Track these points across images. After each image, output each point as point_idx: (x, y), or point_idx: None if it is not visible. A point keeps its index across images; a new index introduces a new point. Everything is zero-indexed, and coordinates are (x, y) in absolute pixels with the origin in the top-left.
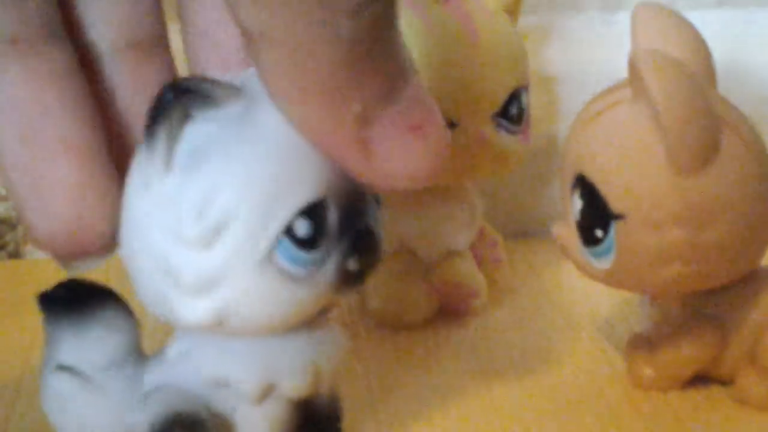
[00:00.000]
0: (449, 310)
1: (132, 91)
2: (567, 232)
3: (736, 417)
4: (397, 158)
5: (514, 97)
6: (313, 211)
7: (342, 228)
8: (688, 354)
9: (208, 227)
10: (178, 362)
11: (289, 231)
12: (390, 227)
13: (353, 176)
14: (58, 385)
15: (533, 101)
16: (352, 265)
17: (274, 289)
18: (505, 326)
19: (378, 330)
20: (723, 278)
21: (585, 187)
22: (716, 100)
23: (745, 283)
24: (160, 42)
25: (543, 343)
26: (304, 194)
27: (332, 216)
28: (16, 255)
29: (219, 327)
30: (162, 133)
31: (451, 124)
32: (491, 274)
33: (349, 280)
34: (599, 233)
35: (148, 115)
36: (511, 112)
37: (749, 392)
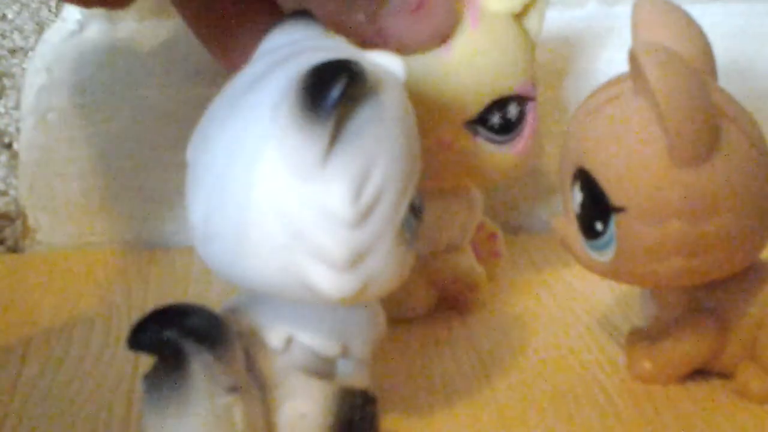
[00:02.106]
0: (448, 304)
1: None
2: (567, 225)
3: (736, 410)
4: (408, 37)
5: (497, 107)
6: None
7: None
8: (687, 348)
9: (364, 206)
10: (288, 349)
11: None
12: None
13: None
14: (230, 407)
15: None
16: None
17: (401, 255)
18: (505, 320)
19: None
20: (723, 271)
21: (585, 180)
22: (717, 93)
23: (745, 276)
24: None
25: (543, 336)
26: (419, 168)
27: None
28: (15, 249)
29: (359, 297)
30: (332, 118)
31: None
32: (491, 267)
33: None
34: (599, 226)
35: (310, 97)
36: (491, 121)
37: (749, 386)
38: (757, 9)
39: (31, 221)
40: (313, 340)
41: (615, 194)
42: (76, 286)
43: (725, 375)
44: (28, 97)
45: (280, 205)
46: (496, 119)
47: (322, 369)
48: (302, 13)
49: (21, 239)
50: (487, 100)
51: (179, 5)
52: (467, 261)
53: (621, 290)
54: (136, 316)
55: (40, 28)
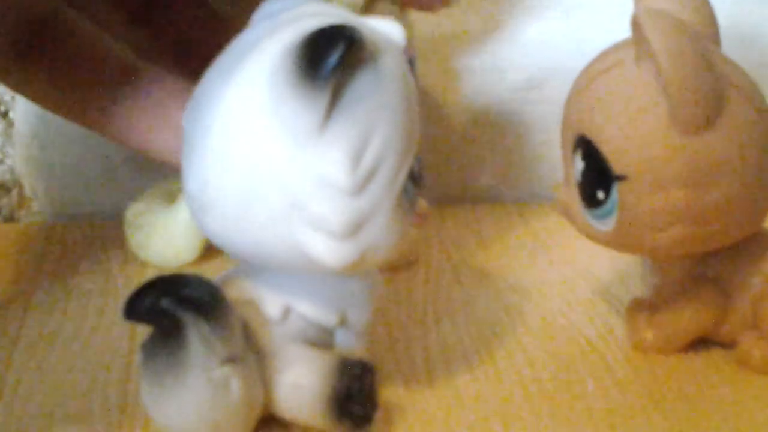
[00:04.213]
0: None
1: None
2: (568, 194)
3: (737, 380)
4: None
5: None
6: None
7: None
8: (689, 317)
9: (363, 174)
10: (286, 318)
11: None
12: None
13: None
14: (227, 377)
15: (536, 65)
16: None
17: (400, 224)
18: (505, 289)
19: None
20: (725, 240)
21: (587, 148)
22: (720, 60)
23: (747, 245)
24: None
25: (543, 307)
26: (418, 135)
27: None
28: (10, 219)
29: (358, 266)
30: (330, 85)
31: None
32: None
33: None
34: (601, 195)
35: (308, 63)
36: None
37: (750, 355)
38: None
39: (27, 191)
40: (311, 309)
41: (617, 162)
42: (72, 256)
43: (727, 345)
44: None
45: (278, 173)
46: None
47: (321, 339)
48: None
49: (17, 209)
50: None
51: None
52: None
53: (622, 260)
54: (132, 286)
55: None
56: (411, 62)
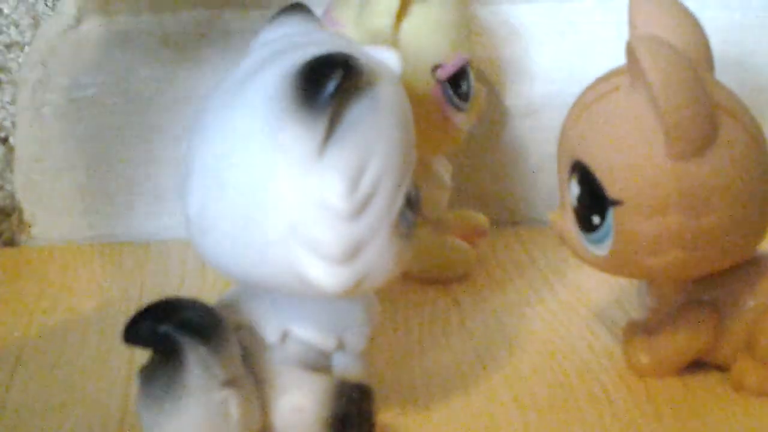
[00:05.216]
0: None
1: None
2: (564, 218)
3: (732, 403)
4: None
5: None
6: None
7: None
8: (684, 340)
9: (360, 199)
10: (284, 342)
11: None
12: None
13: None
14: (226, 401)
15: (533, 91)
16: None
17: (397, 248)
18: (502, 312)
19: None
20: (720, 264)
21: (582, 173)
22: (714, 86)
23: (742, 269)
24: None
25: (539, 329)
26: (414, 162)
27: None
28: (11, 243)
29: (356, 290)
30: (328, 111)
31: None
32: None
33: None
34: (596, 219)
35: (306, 90)
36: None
37: (746, 378)
38: (755, 2)
39: (26, 216)
40: (309, 333)
41: (612, 187)
42: (71, 280)
43: (722, 367)
44: (25, 92)
45: (276, 197)
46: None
47: (318, 362)
48: (297, 7)
49: (17, 234)
50: None
51: None
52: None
53: (618, 283)
54: (131, 310)
55: (36, 22)
56: (464, 69)
